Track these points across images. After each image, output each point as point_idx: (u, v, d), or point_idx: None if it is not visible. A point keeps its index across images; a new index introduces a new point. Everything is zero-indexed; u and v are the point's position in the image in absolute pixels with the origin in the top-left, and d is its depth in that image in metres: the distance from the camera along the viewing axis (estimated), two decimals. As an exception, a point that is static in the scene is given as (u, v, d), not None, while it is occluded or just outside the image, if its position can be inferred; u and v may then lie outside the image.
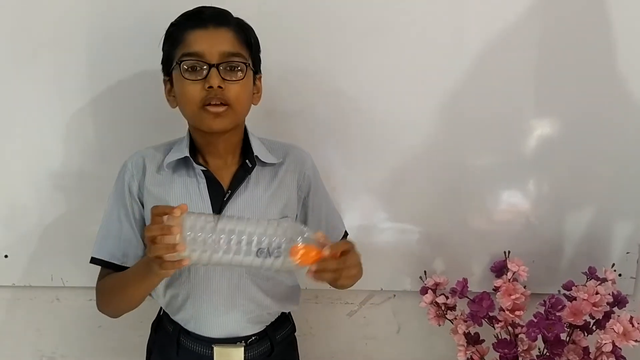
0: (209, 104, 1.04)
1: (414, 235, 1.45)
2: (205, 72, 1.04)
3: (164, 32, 1.12)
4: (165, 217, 0.90)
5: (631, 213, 1.42)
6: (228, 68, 1.05)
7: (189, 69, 1.05)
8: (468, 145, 1.41)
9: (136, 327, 1.49)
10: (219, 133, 1.08)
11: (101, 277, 1.16)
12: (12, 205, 1.43)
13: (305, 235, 0.94)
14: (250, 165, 1.12)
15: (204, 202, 1.10)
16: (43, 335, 1.52)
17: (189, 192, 1.11)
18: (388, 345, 1.54)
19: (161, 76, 1.33)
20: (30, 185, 1.42)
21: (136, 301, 1.11)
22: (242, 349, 1.14)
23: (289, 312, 1.25)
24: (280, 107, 1.36)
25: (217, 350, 1.13)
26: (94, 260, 1.15)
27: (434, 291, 1.34)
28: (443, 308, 1.33)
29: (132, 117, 1.39)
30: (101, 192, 1.36)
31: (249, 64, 1.08)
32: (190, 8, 1.10)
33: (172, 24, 1.10)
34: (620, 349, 1.17)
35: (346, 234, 1.26)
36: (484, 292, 1.28)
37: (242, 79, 1.06)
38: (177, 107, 1.11)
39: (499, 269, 1.33)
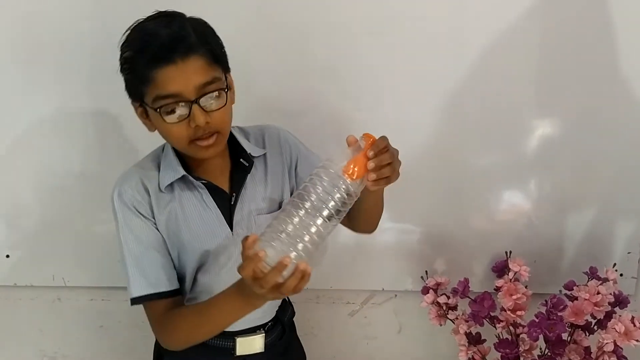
0: (198, 139, 1.00)
1: (415, 235, 1.45)
2: (186, 111, 0.98)
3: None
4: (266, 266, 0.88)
5: (632, 213, 1.42)
6: (208, 99, 0.98)
7: (170, 112, 0.98)
8: (469, 145, 1.41)
9: (138, 326, 1.49)
10: None
11: (157, 312, 1.08)
12: (14, 205, 1.43)
13: (343, 157, 0.93)
14: (247, 164, 1.10)
15: (213, 211, 1.08)
16: (45, 335, 1.52)
17: (195, 206, 1.08)
18: (389, 345, 1.54)
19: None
20: (32, 185, 1.42)
21: (223, 328, 1.05)
22: (263, 335, 1.16)
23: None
24: (281, 107, 1.36)
25: (240, 341, 1.14)
26: (138, 300, 1.07)
27: (436, 291, 1.34)
28: (444, 308, 1.33)
29: (134, 118, 1.38)
30: (103, 192, 1.36)
31: (226, 88, 1.01)
32: (191, 9, 1.08)
33: (127, 57, 1.00)
34: (621, 348, 1.17)
35: None
36: (485, 292, 1.28)
37: (224, 105, 1.00)
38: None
39: (501, 269, 1.33)
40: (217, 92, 0.99)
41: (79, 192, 1.42)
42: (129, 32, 1.01)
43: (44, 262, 1.46)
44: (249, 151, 1.10)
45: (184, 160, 1.08)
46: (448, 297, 1.32)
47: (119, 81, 1.35)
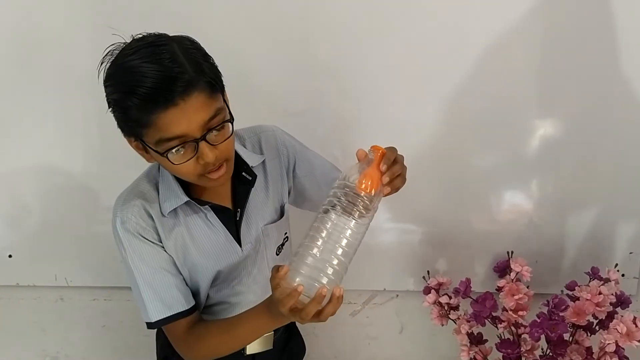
0: (208, 172, 0.96)
1: (416, 235, 1.45)
2: (193, 148, 0.92)
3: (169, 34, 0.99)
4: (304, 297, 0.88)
5: (634, 213, 1.42)
6: (213, 132, 0.93)
7: (176, 153, 0.92)
8: (471, 145, 1.41)
9: (140, 327, 1.49)
10: None
11: (178, 332, 1.06)
12: (17, 205, 1.43)
13: (355, 171, 0.93)
14: (249, 178, 1.07)
15: (220, 231, 1.07)
16: (47, 335, 1.52)
17: (202, 228, 1.06)
18: (391, 345, 1.54)
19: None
20: (34, 186, 1.42)
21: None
22: (272, 333, 1.17)
23: None
24: (282, 108, 1.36)
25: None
26: (156, 324, 1.05)
27: (437, 291, 1.34)
28: (446, 308, 1.33)
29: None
30: (105, 192, 1.37)
31: (230, 118, 0.96)
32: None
33: (120, 100, 0.91)
34: (623, 349, 1.17)
35: None
36: (487, 292, 1.28)
37: (230, 135, 0.96)
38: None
39: (502, 269, 1.33)
40: (222, 124, 0.94)
41: (81, 192, 1.42)
42: (110, 68, 0.93)
43: (47, 262, 1.46)
44: (249, 163, 1.07)
45: (184, 182, 1.03)
46: (450, 297, 1.32)
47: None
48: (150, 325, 1.06)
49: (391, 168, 0.93)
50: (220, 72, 0.97)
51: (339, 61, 1.35)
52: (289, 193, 1.17)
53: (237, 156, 1.05)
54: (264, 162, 1.11)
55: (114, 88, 0.92)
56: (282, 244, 1.16)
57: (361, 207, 0.91)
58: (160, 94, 0.87)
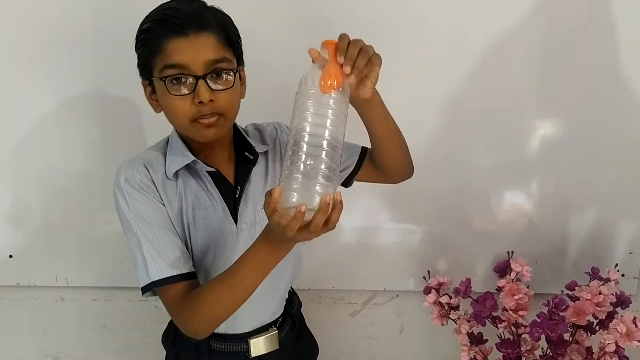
0: (201, 118, 0.99)
1: (417, 235, 1.45)
2: (192, 86, 0.96)
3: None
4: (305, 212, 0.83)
5: (634, 213, 1.42)
6: (215, 75, 0.97)
7: (174, 82, 0.97)
8: (471, 145, 1.41)
9: (139, 327, 1.50)
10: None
11: (177, 295, 1.01)
12: (17, 205, 1.43)
13: (309, 78, 0.89)
14: (252, 157, 1.09)
15: (219, 203, 1.07)
16: (48, 335, 1.52)
17: (202, 197, 1.06)
18: (391, 345, 1.54)
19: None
20: (35, 186, 1.42)
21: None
22: (276, 332, 1.15)
23: (291, 286, 1.24)
24: (284, 108, 1.35)
25: (253, 342, 1.12)
26: (154, 285, 1.00)
27: (437, 291, 1.34)
28: (446, 308, 1.33)
29: (137, 117, 1.39)
30: (105, 192, 1.36)
31: (235, 69, 1.00)
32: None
33: (144, 29, 1.00)
34: (623, 349, 1.17)
35: (364, 148, 1.18)
36: (487, 292, 1.28)
37: (231, 86, 0.99)
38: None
39: (502, 269, 1.33)
40: (225, 72, 0.98)
41: (82, 192, 1.42)
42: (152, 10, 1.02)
43: (47, 262, 1.46)
44: (254, 145, 1.09)
45: (191, 148, 1.06)
46: (450, 297, 1.32)
47: (122, 81, 1.37)
48: (148, 287, 1.01)
49: (348, 55, 0.89)
50: (241, 46, 1.04)
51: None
52: None
53: (242, 137, 1.09)
54: (267, 152, 1.12)
55: (146, 20, 1.00)
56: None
57: (335, 107, 0.87)
58: (176, 22, 0.95)
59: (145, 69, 1.01)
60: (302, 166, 0.85)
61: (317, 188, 0.85)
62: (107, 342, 1.53)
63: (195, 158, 1.04)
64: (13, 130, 1.40)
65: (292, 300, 1.22)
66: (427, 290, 1.35)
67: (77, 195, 1.42)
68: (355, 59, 0.90)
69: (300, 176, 0.85)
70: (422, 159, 1.39)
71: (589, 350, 1.24)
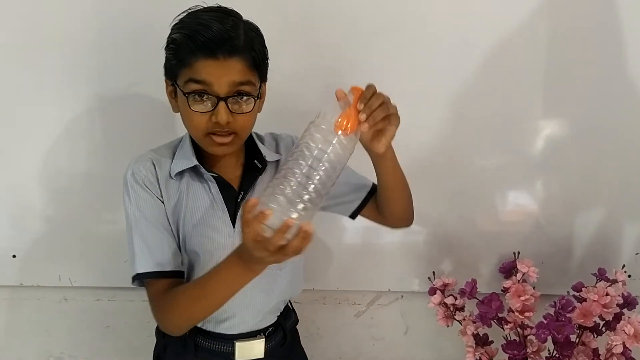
0: (215, 133, 1.02)
1: (422, 235, 1.45)
2: (212, 102, 1.00)
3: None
4: (269, 230, 0.85)
5: (641, 214, 1.42)
6: (236, 98, 1.01)
7: (196, 98, 1.00)
8: (476, 146, 1.40)
9: (143, 327, 1.49)
10: None
11: (158, 291, 1.06)
12: (20, 205, 1.43)
13: (332, 111, 0.92)
14: (260, 166, 1.12)
15: (219, 205, 1.09)
16: (51, 336, 1.52)
17: (202, 196, 1.09)
18: (396, 346, 1.53)
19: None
20: (38, 186, 1.42)
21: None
22: (263, 340, 1.15)
23: (290, 302, 1.24)
24: (285, 108, 1.35)
25: (239, 345, 1.13)
26: (142, 276, 1.06)
27: (443, 292, 1.34)
28: (451, 309, 1.32)
29: (140, 118, 1.39)
30: (109, 192, 1.36)
31: (257, 95, 1.04)
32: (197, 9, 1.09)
33: (176, 40, 1.02)
34: (630, 350, 1.16)
35: (374, 186, 1.20)
36: (493, 293, 1.28)
37: (250, 111, 1.03)
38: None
39: (508, 270, 1.33)
40: (246, 96, 1.02)
41: (85, 192, 1.42)
42: (184, 15, 1.04)
43: (50, 262, 1.46)
44: (264, 154, 1.12)
45: (200, 152, 1.09)
46: (455, 298, 1.32)
47: (124, 81, 1.37)
48: (134, 278, 1.07)
49: (369, 103, 0.92)
50: (267, 63, 1.07)
51: (344, 61, 1.35)
52: None
53: (254, 145, 1.13)
54: (278, 161, 1.15)
55: (179, 29, 1.03)
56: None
57: (338, 148, 0.90)
58: (208, 44, 0.98)
59: (171, 73, 1.05)
60: (288, 188, 0.88)
61: (292, 214, 0.86)
62: (110, 343, 1.52)
63: (198, 163, 1.08)
64: (16, 131, 1.39)
65: (288, 315, 1.22)
66: (432, 291, 1.35)
67: (81, 196, 1.42)
68: (374, 110, 0.92)
69: (282, 196, 0.87)
70: (427, 160, 1.40)
71: (595, 351, 1.23)
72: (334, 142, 0.90)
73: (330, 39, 1.34)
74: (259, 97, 1.05)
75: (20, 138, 1.40)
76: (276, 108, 1.27)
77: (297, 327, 1.27)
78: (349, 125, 0.91)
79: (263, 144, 1.16)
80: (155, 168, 1.08)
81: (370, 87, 0.95)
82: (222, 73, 0.99)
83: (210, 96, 1.00)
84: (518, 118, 1.39)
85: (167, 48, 1.05)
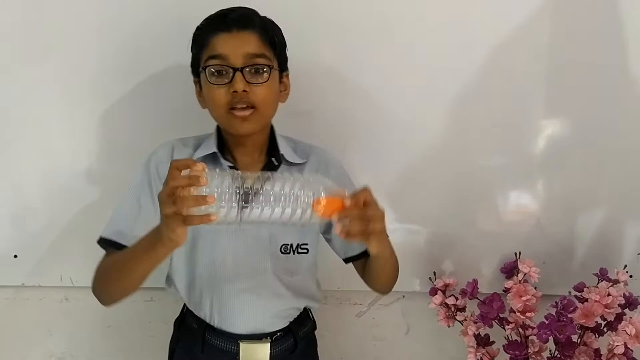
0: (235, 108, 1.06)
1: (423, 235, 1.45)
2: (230, 76, 1.05)
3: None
4: (186, 171, 0.87)
5: (643, 214, 1.41)
6: (252, 70, 1.06)
7: (215, 73, 1.06)
8: (478, 145, 1.40)
9: (144, 327, 1.50)
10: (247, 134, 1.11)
11: (105, 259, 1.12)
12: (21, 205, 1.43)
13: (328, 188, 0.93)
14: (276, 164, 1.14)
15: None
16: (52, 335, 1.52)
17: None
18: (397, 347, 1.53)
19: (169, 76, 1.34)
20: (40, 186, 1.42)
21: (136, 281, 1.04)
22: (268, 344, 1.15)
23: (309, 309, 1.26)
24: (288, 107, 1.35)
25: (243, 346, 1.14)
26: (101, 242, 1.12)
27: (444, 292, 1.34)
28: (453, 309, 1.32)
29: (141, 118, 1.39)
30: (110, 192, 1.37)
31: (273, 66, 1.09)
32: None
33: (198, 28, 1.11)
34: (632, 350, 1.16)
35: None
36: (494, 293, 1.27)
37: (266, 81, 1.07)
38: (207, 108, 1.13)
39: (510, 270, 1.33)
40: (263, 67, 1.07)
41: (86, 192, 1.42)
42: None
43: (52, 262, 1.46)
44: (282, 152, 1.15)
45: (223, 146, 1.14)
46: (456, 299, 1.32)
47: (126, 81, 1.37)
48: (98, 241, 1.12)
49: (351, 210, 0.92)
50: (285, 53, 1.15)
51: (344, 61, 1.35)
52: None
53: (275, 144, 1.16)
54: (301, 168, 1.16)
55: (202, 22, 1.11)
56: (295, 248, 1.16)
57: (299, 214, 0.92)
58: (223, 20, 1.07)
59: (195, 65, 1.12)
60: (249, 197, 0.89)
61: (233, 204, 0.88)
62: (112, 343, 1.52)
63: (216, 150, 1.12)
64: (17, 130, 1.40)
65: (302, 322, 1.23)
66: (434, 292, 1.35)
67: (82, 195, 1.42)
68: (353, 221, 0.93)
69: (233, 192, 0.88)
70: (428, 160, 1.40)
71: (597, 352, 1.23)
72: (307, 212, 0.91)
73: (331, 39, 1.34)
74: (278, 74, 1.11)
75: (22, 138, 1.40)
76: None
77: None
78: (325, 212, 0.92)
79: (294, 149, 1.18)
80: (173, 152, 1.13)
81: (365, 193, 0.95)
82: (237, 45, 1.05)
83: (227, 69, 1.05)
84: (519, 118, 1.39)
85: (192, 42, 1.11)
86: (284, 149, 1.16)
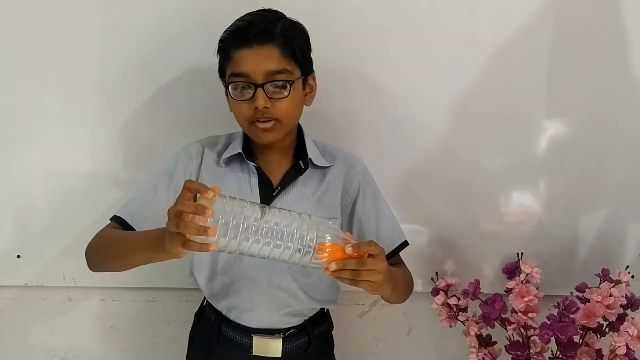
0: (258, 120, 1.10)
1: (425, 236, 1.45)
2: (252, 92, 1.08)
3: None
4: (197, 196, 0.89)
5: (645, 214, 1.41)
6: (274, 85, 1.09)
7: (238, 89, 1.10)
8: (480, 146, 1.40)
9: (147, 327, 1.50)
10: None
11: (105, 228, 1.16)
12: (24, 206, 1.44)
13: (333, 234, 0.94)
14: (302, 167, 1.17)
15: (254, 195, 1.14)
16: (55, 335, 1.52)
17: (240, 185, 1.16)
18: (399, 347, 1.53)
19: (172, 77, 1.34)
20: (42, 186, 1.42)
21: (127, 266, 1.09)
22: (281, 340, 1.17)
23: (327, 310, 1.27)
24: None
25: (256, 340, 1.16)
26: (113, 219, 1.16)
27: (446, 292, 1.34)
28: (455, 309, 1.32)
29: (144, 118, 1.39)
30: (113, 192, 1.37)
31: (293, 80, 1.10)
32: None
33: (221, 39, 1.13)
34: (634, 351, 1.16)
35: (402, 246, 1.25)
36: (496, 293, 1.27)
37: (287, 96, 1.09)
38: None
39: (511, 271, 1.32)
40: (283, 83, 1.09)
41: (89, 192, 1.42)
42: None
43: (55, 262, 1.46)
44: (310, 156, 1.17)
45: (250, 146, 1.18)
46: (458, 299, 1.32)
47: (128, 82, 1.37)
48: (111, 218, 1.16)
49: (349, 258, 0.94)
50: (310, 57, 1.16)
51: (347, 62, 1.36)
52: (341, 223, 1.20)
53: (303, 147, 1.19)
54: (326, 171, 1.19)
55: (226, 30, 1.13)
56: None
57: (298, 256, 0.93)
58: (244, 34, 1.08)
59: (222, 72, 1.15)
60: (252, 230, 0.90)
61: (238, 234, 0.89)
62: (114, 343, 1.53)
63: (241, 151, 1.16)
64: (20, 131, 1.40)
65: (318, 321, 1.24)
66: (436, 292, 1.35)
67: (84, 196, 1.42)
68: (347, 267, 0.94)
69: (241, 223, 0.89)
70: (430, 160, 1.40)
71: (599, 352, 1.23)
72: (309, 253, 0.92)
73: (333, 39, 1.34)
74: (301, 83, 1.13)
75: (24, 138, 1.40)
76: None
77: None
78: (327, 258, 0.93)
79: (322, 153, 1.21)
80: (203, 150, 1.18)
81: (369, 246, 0.96)
82: (258, 61, 1.07)
83: (250, 85, 1.08)
84: (521, 118, 1.39)
85: (217, 51, 1.14)
86: (311, 151, 1.18)
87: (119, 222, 1.14)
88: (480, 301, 1.29)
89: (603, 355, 1.22)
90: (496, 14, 1.34)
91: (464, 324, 1.31)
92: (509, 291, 1.27)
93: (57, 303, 1.51)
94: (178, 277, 1.35)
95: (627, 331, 1.13)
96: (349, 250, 0.94)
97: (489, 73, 1.36)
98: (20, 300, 1.51)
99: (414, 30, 1.35)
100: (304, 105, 1.18)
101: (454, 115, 1.39)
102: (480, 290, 1.30)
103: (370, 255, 0.96)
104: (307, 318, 1.21)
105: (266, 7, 1.15)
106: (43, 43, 1.36)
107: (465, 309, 1.33)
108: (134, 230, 1.13)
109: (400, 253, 1.26)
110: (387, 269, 0.99)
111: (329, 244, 0.93)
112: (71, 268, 1.46)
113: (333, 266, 0.93)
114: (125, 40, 1.36)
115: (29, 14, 1.34)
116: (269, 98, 1.08)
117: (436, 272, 1.39)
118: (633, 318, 1.15)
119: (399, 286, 1.14)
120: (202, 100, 1.36)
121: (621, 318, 1.20)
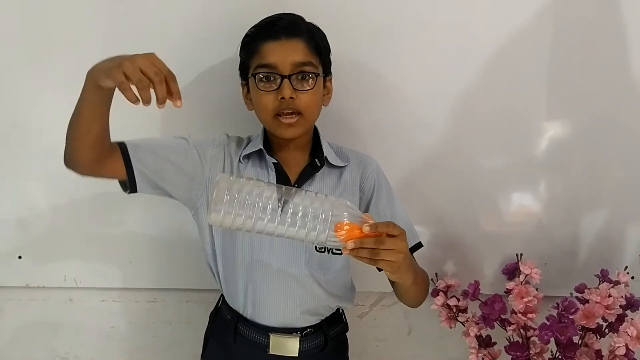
0: (282, 114, 1.11)
1: (424, 236, 1.43)
2: (278, 83, 1.11)
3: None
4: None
5: (644, 215, 1.41)
6: (299, 77, 1.11)
7: (263, 79, 1.12)
8: (480, 146, 1.40)
9: (148, 328, 1.50)
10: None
11: None
12: (26, 207, 1.44)
13: (351, 213, 0.94)
14: (319, 164, 1.18)
15: None
16: (56, 336, 1.53)
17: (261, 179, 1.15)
18: (399, 347, 1.54)
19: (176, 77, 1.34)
20: (44, 187, 1.43)
21: (83, 124, 1.10)
22: (298, 339, 1.17)
23: (342, 311, 1.28)
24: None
25: (274, 339, 1.16)
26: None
27: (446, 293, 1.34)
28: (454, 310, 1.33)
29: (145, 118, 1.39)
30: (114, 193, 1.37)
31: (319, 73, 1.14)
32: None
33: (247, 35, 1.16)
34: (633, 352, 1.16)
35: (416, 248, 1.26)
36: (495, 294, 1.28)
37: (312, 88, 1.12)
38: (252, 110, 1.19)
39: (511, 271, 1.33)
40: (309, 74, 1.12)
41: (90, 193, 1.43)
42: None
43: (56, 263, 1.46)
44: (326, 154, 1.19)
45: (269, 144, 1.19)
46: (458, 300, 1.32)
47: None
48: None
49: (367, 237, 0.94)
50: (330, 58, 1.20)
51: (348, 62, 1.35)
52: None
53: (318, 145, 1.21)
54: (342, 171, 1.20)
55: (252, 28, 1.16)
56: (330, 248, 1.17)
57: (314, 234, 0.93)
58: (271, 28, 1.12)
59: (244, 70, 1.18)
60: (267, 208, 0.91)
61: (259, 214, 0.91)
62: (116, 343, 1.53)
63: (262, 147, 1.18)
64: (21, 131, 1.40)
65: (334, 321, 1.25)
66: (435, 293, 1.35)
67: (86, 196, 1.43)
68: (364, 246, 0.94)
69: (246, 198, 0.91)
70: (431, 160, 1.40)
71: (598, 353, 1.23)
72: (325, 231, 0.92)
73: (334, 41, 1.34)
74: (322, 80, 1.16)
75: (26, 139, 1.41)
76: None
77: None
78: (345, 236, 0.93)
79: (337, 153, 1.22)
80: (228, 144, 1.20)
81: (388, 227, 0.95)
82: (285, 54, 1.10)
83: (275, 76, 1.11)
84: (522, 119, 1.39)
85: (241, 48, 1.17)
86: (327, 151, 1.20)
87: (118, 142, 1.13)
88: (480, 302, 1.29)
89: (602, 355, 1.22)
90: (497, 14, 1.34)
91: (464, 325, 1.31)
92: (508, 292, 1.27)
93: (58, 304, 1.51)
94: (179, 277, 1.35)
95: (626, 332, 1.14)
96: (366, 229, 0.93)
97: (489, 73, 1.36)
98: (22, 301, 1.51)
99: (415, 30, 1.35)
100: (323, 106, 1.20)
101: (454, 115, 1.39)
102: (480, 291, 1.31)
103: (390, 236, 0.95)
104: (323, 318, 1.21)
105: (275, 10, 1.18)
106: (45, 45, 1.36)
107: (465, 310, 1.33)
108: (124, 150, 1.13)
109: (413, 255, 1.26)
110: (407, 251, 0.99)
111: (347, 222, 0.93)
112: (72, 269, 1.47)
113: (351, 244, 0.93)
114: (128, 42, 1.36)
115: (31, 14, 1.35)
116: (295, 90, 1.11)
117: (436, 273, 1.39)
118: (632, 319, 1.16)
119: (419, 279, 1.15)
120: (206, 101, 1.37)
121: (620, 319, 1.21)
